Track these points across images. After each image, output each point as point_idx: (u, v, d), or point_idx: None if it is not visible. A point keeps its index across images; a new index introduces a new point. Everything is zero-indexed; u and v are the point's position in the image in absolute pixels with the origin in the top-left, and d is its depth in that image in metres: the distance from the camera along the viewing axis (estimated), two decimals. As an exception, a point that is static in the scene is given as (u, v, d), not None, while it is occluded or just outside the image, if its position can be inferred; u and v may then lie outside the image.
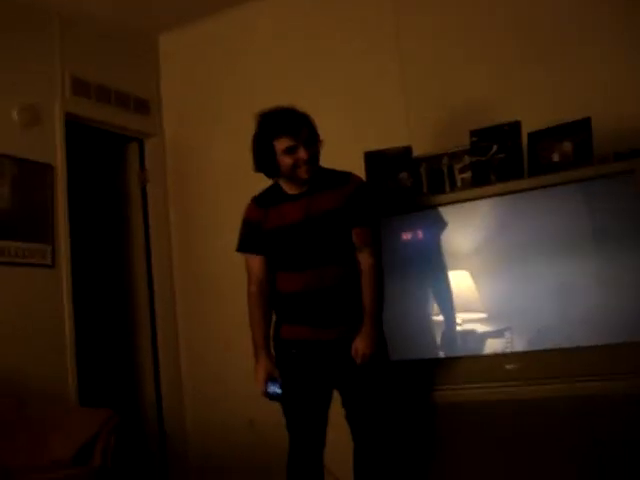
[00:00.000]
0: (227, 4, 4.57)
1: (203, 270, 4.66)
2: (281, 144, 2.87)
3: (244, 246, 3.03)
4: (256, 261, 2.99)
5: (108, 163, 5.05)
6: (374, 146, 3.65)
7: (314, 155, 2.92)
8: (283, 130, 2.88)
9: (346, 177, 2.99)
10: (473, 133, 3.43)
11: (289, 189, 2.99)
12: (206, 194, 4.73)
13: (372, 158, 3.63)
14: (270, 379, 2.89)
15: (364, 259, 2.94)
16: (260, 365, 2.91)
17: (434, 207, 3.36)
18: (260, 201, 3.03)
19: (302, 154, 2.87)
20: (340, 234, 2.92)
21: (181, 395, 4.74)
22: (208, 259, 4.60)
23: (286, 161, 2.88)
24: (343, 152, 3.83)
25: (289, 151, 2.87)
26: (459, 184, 3.51)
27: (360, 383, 2.90)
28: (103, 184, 5.08)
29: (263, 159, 2.93)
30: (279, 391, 2.88)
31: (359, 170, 3.58)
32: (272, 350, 2.98)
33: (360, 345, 2.86)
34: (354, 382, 2.91)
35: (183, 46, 4.89)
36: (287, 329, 2.97)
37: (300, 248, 2.92)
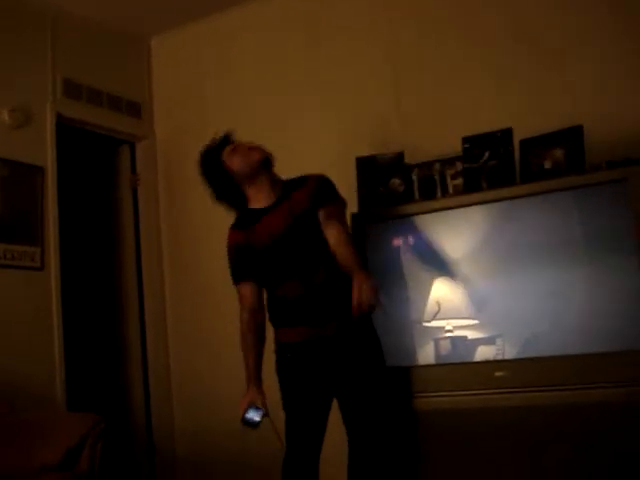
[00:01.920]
0: (219, 7, 4.56)
1: (194, 274, 4.64)
2: (226, 153, 2.99)
3: (237, 275, 3.01)
4: (247, 288, 2.98)
5: (99, 166, 5.03)
6: (366, 152, 3.64)
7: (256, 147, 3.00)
8: (223, 143, 3.01)
9: (304, 178, 3.04)
10: (465, 140, 3.43)
11: (259, 204, 3.00)
12: (197, 197, 4.65)
13: (364, 164, 3.63)
14: (252, 406, 2.88)
15: (332, 230, 2.91)
16: (247, 394, 2.93)
17: (426, 213, 3.36)
18: (239, 225, 3.04)
19: (242, 142, 2.99)
20: (318, 231, 2.94)
21: (170, 401, 4.70)
22: (199, 263, 4.58)
23: (235, 159, 2.96)
24: (335, 158, 3.84)
25: (232, 148, 2.98)
26: (451, 190, 3.51)
27: (358, 386, 2.90)
28: (94, 187, 5.06)
29: (220, 181, 3.01)
30: (257, 419, 2.86)
31: (351, 176, 3.59)
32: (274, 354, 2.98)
33: (362, 286, 2.70)
34: (352, 385, 2.91)
35: (175, 49, 4.87)
36: (284, 332, 2.98)
37: (297, 251, 2.92)
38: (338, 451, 2.98)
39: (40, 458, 3.19)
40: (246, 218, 3.02)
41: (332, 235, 2.92)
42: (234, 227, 3.04)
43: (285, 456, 2.95)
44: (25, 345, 3.95)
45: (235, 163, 2.97)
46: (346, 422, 2.95)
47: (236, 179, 2.98)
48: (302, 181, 3.02)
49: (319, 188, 2.99)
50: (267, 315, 3.02)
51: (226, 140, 3.04)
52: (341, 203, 3.03)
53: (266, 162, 2.98)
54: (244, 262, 2.99)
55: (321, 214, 2.94)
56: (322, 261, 2.91)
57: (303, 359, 2.93)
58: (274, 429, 2.89)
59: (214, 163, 3.01)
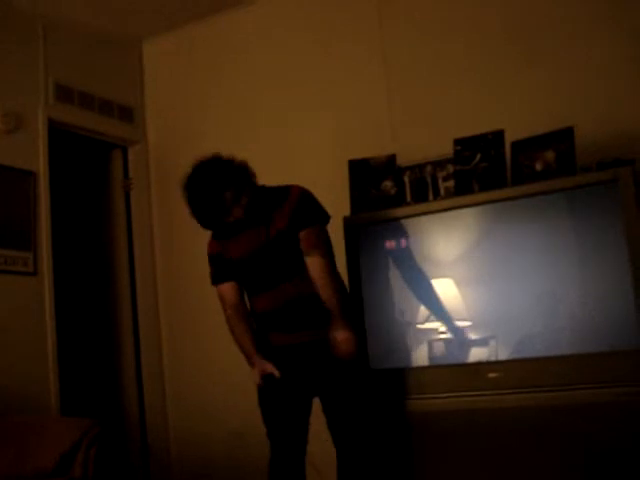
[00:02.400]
0: (211, 11, 4.56)
1: (187, 278, 4.63)
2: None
3: (215, 278, 3.10)
4: (226, 288, 3.05)
5: (91, 170, 5.02)
6: (358, 154, 3.65)
7: (248, 204, 2.92)
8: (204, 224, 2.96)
9: (286, 191, 2.99)
10: (457, 142, 3.44)
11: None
12: (190, 202, 4.70)
13: (356, 166, 3.63)
14: (264, 375, 2.93)
15: (313, 263, 2.91)
16: (256, 367, 2.96)
17: (418, 216, 3.36)
18: (217, 235, 3.08)
19: (238, 214, 2.90)
20: (295, 247, 2.93)
21: (164, 405, 4.70)
22: (192, 267, 4.56)
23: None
24: (327, 160, 3.85)
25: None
26: (442, 193, 3.52)
27: (339, 390, 2.92)
28: (86, 191, 5.05)
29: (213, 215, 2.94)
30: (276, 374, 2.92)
31: (343, 178, 3.59)
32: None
33: (337, 333, 2.85)
34: (333, 389, 2.93)
35: (167, 53, 4.87)
36: (266, 337, 3.02)
37: (262, 272, 2.98)
38: (326, 452, 3.00)
39: (34, 463, 3.18)
40: (224, 230, 3.03)
41: (314, 269, 2.91)
42: (212, 236, 3.11)
43: (270, 458, 2.97)
44: (18, 350, 3.94)
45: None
46: (329, 425, 2.96)
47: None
48: (283, 196, 2.97)
49: (300, 208, 2.95)
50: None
51: (206, 215, 2.94)
52: (322, 223, 2.99)
53: None
54: (222, 268, 3.06)
55: (302, 237, 2.94)
56: (294, 277, 2.94)
57: (285, 361, 2.95)
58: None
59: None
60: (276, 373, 2.90)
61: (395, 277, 3.42)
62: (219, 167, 2.94)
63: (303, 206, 2.97)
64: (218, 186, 2.88)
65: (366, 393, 2.98)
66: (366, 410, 2.96)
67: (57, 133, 4.40)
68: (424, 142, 3.78)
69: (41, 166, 4.24)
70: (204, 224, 2.96)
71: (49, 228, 4.22)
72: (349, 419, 2.92)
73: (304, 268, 2.93)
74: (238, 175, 2.94)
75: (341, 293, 2.95)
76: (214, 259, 3.09)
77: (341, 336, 2.86)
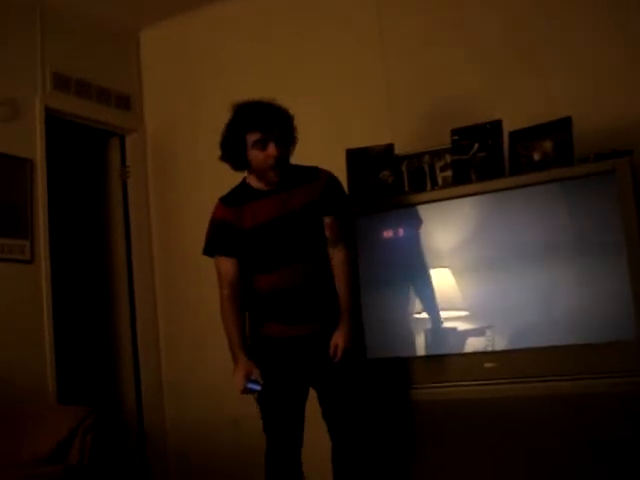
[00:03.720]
0: (210, -1, 4.56)
1: (184, 266, 4.64)
2: (252, 137, 2.85)
3: (215, 248, 2.97)
4: (228, 264, 2.94)
5: (89, 158, 5.01)
6: (356, 143, 3.65)
7: (283, 155, 2.90)
8: (256, 125, 2.84)
9: (315, 171, 2.98)
10: (454, 132, 3.43)
11: (258, 185, 2.96)
12: (187, 190, 4.70)
13: (354, 155, 3.62)
14: (249, 379, 2.87)
15: (337, 254, 2.94)
16: (239, 365, 2.88)
17: (415, 205, 3.36)
18: (229, 201, 2.98)
19: (272, 150, 2.85)
20: (315, 228, 2.93)
21: (161, 393, 4.71)
22: (189, 255, 4.55)
23: (256, 155, 2.87)
24: (325, 149, 3.84)
25: (259, 145, 2.85)
26: (440, 182, 3.52)
27: (336, 380, 2.91)
28: (83, 179, 5.04)
29: (232, 150, 2.90)
30: (258, 388, 2.87)
31: (341, 167, 3.59)
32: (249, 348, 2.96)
33: (339, 340, 2.87)
34: (330, 379, 2.92)
35: (165, 41, 4.86)
36: (264, 327, 2.98)
37: (278, 244, 2.91)
38: (321, 449, 3.00)
39: (31, 450, 3.19)
40: (239, 195, 2.98)
41: (337, 260, 2.94)
42: (224, 202, 2.99)
43: (267, 450, 2.96)
44: (15, 338, 3.94)
45: (253, 157, 2.88)
46: (325, 417, 2.95)
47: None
48: (312, 175, 2.96)
49: (329, 191, 2.95)
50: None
51: (262, 117, 2.86)
52: (348, 211, 3.03)
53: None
54: (228, 240, 2.94)
55: (328, 224, 2.94)
56: (305, 260, 2.91)
57: (282, 354, 2.93)
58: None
59: (237, 133, 2.88)
60: (260, 381, 2.85)
61: (392, 267, 3.41)
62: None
63: (333, 190, 2.97)
64: (277, 112, 2.89)
65: (363, 383, 2.98)
66: (363, 400, 2.95)
67: (54, 121, 4.39)
68: (422, 131, 3.78)
69: (38, 154, 4.23)
70: (265, 130, 2.82)
71: (46, 216, 4.22)
72: (346, 409, 2.91)
73: (320, 252, 2.93)
74: (292, 125, 2.95)
75: (354, 290, 2.96)
76: (220, 227, 2.95)
77: (345, 339, 2.87)
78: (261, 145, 2.85)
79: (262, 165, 2.88)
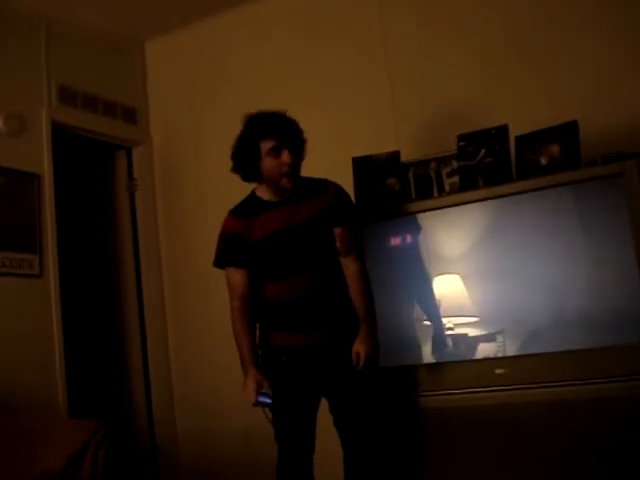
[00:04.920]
0: (214, 11, 4.56)
1: (192, 279, 4.63)
2: (266, 145, 2.86)
3: (226, 260, 2.97)
4: (239, 275, 2.94)
5: (96, 171, 5.02)
6: (362, 151, 3.64)
7: (296, 164, 2.91)
8: (270, 132, 2.86)
9: (324, 184, 3.00)
10: (461, 137, 3.42)
11: (268, 196, 2.96)
12: (194, 201, 4.71)
13: (360, 163, 3.62)
14: (260, 392, 2.85)
15: (350, 264, 2.96)
16: (250, 377, 2.87)
17: (422, 212, 3.35)
18: (239, 213, 2.98)
19: (285, 157, 2.86)
20: (322, 239, 2.93)
21: (172, 405, 4.70)
22: (197, 267, 4.57)
23: (269, 163, 2.87)
24: (331, 157, 3.84)
25: (273, 152, 2.85)
26: (447, 189, 3.51)
27: (348, 388, 2.90)
28: (91, 193, 5.06)
29: (245, 159, 2.90)
30: (269, 401, 2.87)
31: (347, 175, 3.58)
32: (260, 359, 2.96)
33: (361, 349, 2.88)
34: (342, 387, 2.91)
35: (170, 53, 4.87)
36: (275, 336, 2.97)
37: (287, 255, 2.91)
38: (331, 455, 2.98)
39: (42, 465, 3.17)
40: (248, 207, 2.98)
41: (351, 272, 2.96)
42: (234, 214, 2.99)
43: (279, 461, 2.94)
44: (25, 353, 3.94)
45: (266, 165, 2.87)
46: (337, 425, 2.94)
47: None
48: (320, 187, 2.98)
49: (339, 202, 2.97)
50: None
51: (276, 125, 2.88)
52: (358, 226, 3.04)
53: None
54: (238, 251, 2.94)
55: (338, 235, 2.95)
56: (315, 269, 2.91)
57: (294, 363, 2.92)
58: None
59: (251, 142, 2.88)
60: (270, 393, 2.85)
61: (401, 273, 3.40)
62: None
63: (342, 202, 2.99)
64: (289, 122, 2.91)
65: (375, 391, 2.96)
66: (374, 408, 2.94)
67: (61, 135, 4.40)
68: (428, 138, 3.77)
69: (45, 168, 4.25)
70: (279, 137, 2.84)
71: (54, 230, 4.23)
72: (358, 417, 2.90)
73: (329, 262, 2.93)
74: (302, 135, 2.96)
75: (370, 299, 2.98)
76: (231, 239, 2.95)
77: (367, 347, 2.88)
78: (275, 152, 2.86)
79: (275, 173, 2.88)
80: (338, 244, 2.95)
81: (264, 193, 2.97)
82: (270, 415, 2.93)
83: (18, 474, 3.13)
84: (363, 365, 2.87)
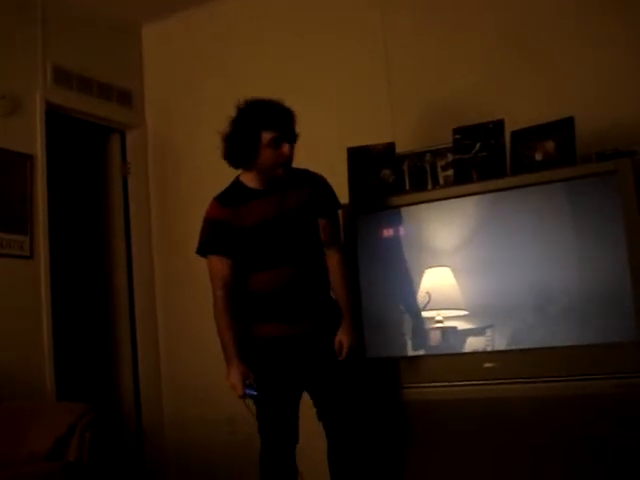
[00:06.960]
0: (212, -5, 4.54)
1: (184, 263, 4.60)
2: (268, 135, 2.84)
3: (211, 247, 2.94)
4: (223, 264, 2.91)
5: (89, 154, 5.00)
6: (357, 142, 3.64)
7: (292, 154, 2.92)
8: (273, 124, 2.84)
9: (307, 174, 3.01)
10: (456, 131, 3.42)
11: (253, 184, 2.95)
12: (188, 186, 4.70)
13: (355, 154, 3.62)
14: (245, 384, 2.85)
15: (332, 255, 3.00)
16: (235, 369, 2.85)
17: (416, 204, 3.35)
18: (225, 200, 2.96)
19: (286, 149, 2.87)
20: (308, 229, 2.95)
21: (159, 390, 4.71)
22: (189, 252, 4.54)
23: (269, 154, 2.86)
24: (327, 148, 3.84)
25: (274, 144, 2.84)
26: (441, 181, 3.51)
27: (332, 379, 2.92)
28: (84, 175, 5.03)
29: (243, 148, 2.87)
30: (255, 393, 2.87)
31: (342, 166, 3.58)
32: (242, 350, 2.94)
33: (344, 339, 2.92)
34: (326, 378, 2.92)
35: (166, 37, 4.85)
36: (259, 327, 2.97)
37: (275, 243, 2.91)
38: (315, 445, 3.00)
39: (29, 447, 3.18)
40: (235, 194, 2.97)
41: (333, 263, 3.01)
42: (219, 201, 2.96)
43: (262, 450, 2.95)
44: (14, 334, 3.92)
45: (264, 155, 2.86)
46: (321, 418, 2.95)
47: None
48: (304, 178, 2.98)
49: (323, 193, 3.00)
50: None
51: (279, 115, 2.87)
52: (337, 213, 3.07)
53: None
54: (224, 239, 2.91)
55: (322, 226, 2.98)
56: (300, 259, 2.92)
57: (277, 353, 2.93)
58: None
59: (252, 131, 2.84)
60: (254, 385, 2.84)
61: (392, 265, 3.40)
62: None
63: (326, 193, 3.01)
64: (287, 111, 2.91)
65: (358, 382, 2.99)
66: (358, 399, 2.96)
67: (55, 116, 4.37)
68: (424, 130, 3.77)
69: (38, 149, 4.22)
70: (281, 129, 2.83)
71: (46, 211, 4.20)
72: (342, 408, 2.91)
73: (313, 253, 2.95)
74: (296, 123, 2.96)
75: (352, 290, 3.03)
76: (217, 226, 2.92)
77: (351, 337, 2.93)
78: (275, 144, 2.85)
79: (272, 163, 2.88)
80: (322, 235, 2.98)
81: (250, 181, 2.96)
82: (253, 407, 2.93)
83: (5, 455, 3.14)
84: (346, 355, 2.89)
